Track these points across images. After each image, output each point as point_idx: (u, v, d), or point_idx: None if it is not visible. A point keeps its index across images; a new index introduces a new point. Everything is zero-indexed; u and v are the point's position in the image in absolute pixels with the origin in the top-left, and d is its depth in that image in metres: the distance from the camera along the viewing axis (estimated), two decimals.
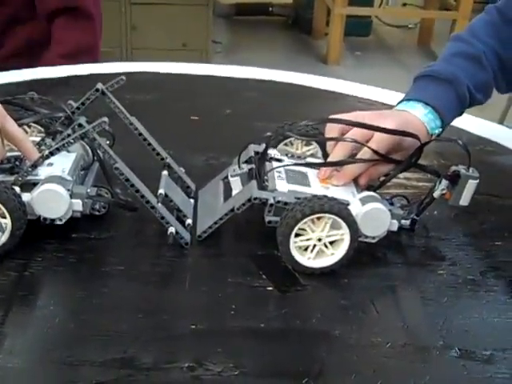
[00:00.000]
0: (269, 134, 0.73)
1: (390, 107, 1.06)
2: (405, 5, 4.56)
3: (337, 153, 0.71)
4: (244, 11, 4.35)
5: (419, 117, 0.76)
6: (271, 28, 4.31)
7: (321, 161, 0.75)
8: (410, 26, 4.39)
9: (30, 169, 0.66)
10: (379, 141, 0.70)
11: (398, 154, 0.72)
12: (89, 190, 0.68)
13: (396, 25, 4.39)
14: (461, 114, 0.85)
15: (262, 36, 4.16)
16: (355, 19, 3.90)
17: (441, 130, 0.78)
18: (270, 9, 4.36)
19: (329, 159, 0.71)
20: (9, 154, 0.69)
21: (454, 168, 0.69)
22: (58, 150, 0.65)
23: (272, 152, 0.74)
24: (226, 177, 0.75)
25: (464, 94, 0.82)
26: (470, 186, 0.68)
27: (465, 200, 0.69)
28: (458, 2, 3.58)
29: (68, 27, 1.33)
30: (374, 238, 0.67)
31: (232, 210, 0.68)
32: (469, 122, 1.03)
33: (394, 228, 0.68)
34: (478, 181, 0.68)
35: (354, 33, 4.03)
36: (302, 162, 0.73)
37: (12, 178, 0.66)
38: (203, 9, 3.20)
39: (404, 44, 4.23)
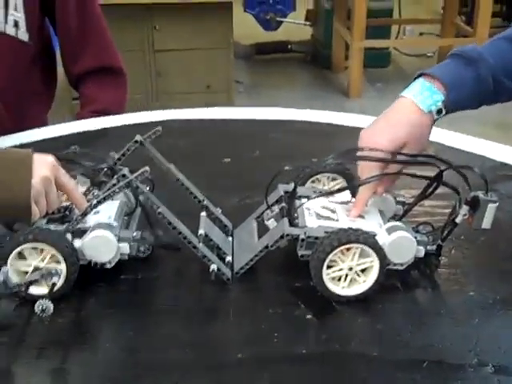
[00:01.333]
0: (287, 168, 0.76)
1: None
2: (421, 34, 4.62)
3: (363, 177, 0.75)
4: (264, 50, 4.44)
5: (411, 98, 0.76)
6: (291, 65, 4.38)
7: (347, 193, 0.79)
8: (428, 54, 4.43)
9: (79, 217, 0.71)
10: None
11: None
12: (134, 234, 0.73)
13: (414, 54, 4.44)
14: (483, 102, 0.81)
15: (283, 73, 4.23)
16: (374, 51, 3.96)
17: (440, 104, 0.75)
18: (289, 46, 4.44)
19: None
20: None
21: (472, 194, 0.72)
22: (105, 199, 0.71)
23: (300, 190, 0.78)
24: (259, 216, 0.80)
25: (486, 75, 0.77)
26: (490, 209, 0.72)
27: (487, 223, 0.72)
28: (475, 29, 3.63)
29: (102, 86, 1.39)
30: (402, 264, 0.71)
31: (266, 246, 0.72)
32: (491, 148, 1.07)
33: (421, 254, 0.72)
34: (497, 204, 0.72)
35: (374, 64, 4.08)
36: (326, 192, 0.77)
37: (63, 227, 0.72)
38: (224, 51, 3.29)
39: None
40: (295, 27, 4.38)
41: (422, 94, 0.76)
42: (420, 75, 0.78)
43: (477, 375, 0.60)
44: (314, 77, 4.21)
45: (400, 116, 0.76)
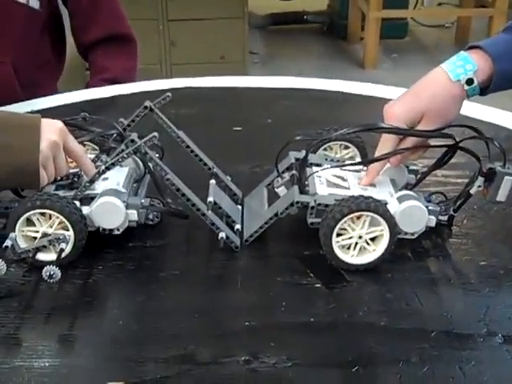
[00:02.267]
0: (298, 138, 0.75)
1: None
2: (440, 4, 4.54)
3: (380, 150, 0.73)
4: (279, 21, 4.40)
5: (444, 67, 0.74)
6: (307, 36, 4.34)
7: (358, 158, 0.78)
8: (446, 25, 4.36)
9: (88, 184, 0.71)
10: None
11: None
12: (143, 201, 0.72)
13: (432, 25, 4.37)
14: None
15: (298, 44, 4.19)
16: (390, 22, 3.90)
17: (472, 74, 0.72)
18: (305, 17, 4.39)
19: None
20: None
21: (489, 165, 0.71)
22: (113, 164, 0.70)
23: (312, 157, 0.78)
24: (270, 183, 0.79)
25: None
26: (507, 182, 0.70)
27: (502, 196, 0.71)
28: None
29: (112, 54, 1.38)
30: (413, 234, 0.70)
31: (276, 214, 0.72)
32: (506, 118, 1.05)
33: (432, 224, 0.71)
34: None
35: (390, 35, 4.02)
36: (339, 164, 0.76)
37: (72, 193, 0.71)
38: (239, 21, 3.26)
39: (441, 43, 4.21)
40: None
41: (455, 64, 0.73)
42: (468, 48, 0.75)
43: (486, 345, 0.59)
44: (330, 47, 4.17)
45: (426, 84, 0.74)
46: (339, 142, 0.82)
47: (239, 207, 0.79)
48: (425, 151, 0.75)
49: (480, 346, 0.59)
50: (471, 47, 0.75)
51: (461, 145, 0.73)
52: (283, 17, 4.39)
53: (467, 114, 1.08)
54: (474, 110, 1.09)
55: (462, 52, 0.75)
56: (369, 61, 3.69)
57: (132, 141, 0.70)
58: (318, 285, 0.67)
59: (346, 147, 0.82)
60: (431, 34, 4.36)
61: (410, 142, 0.72)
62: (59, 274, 0.64)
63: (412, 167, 0.78)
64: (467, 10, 4.02)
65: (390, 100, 1.16)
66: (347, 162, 0.77)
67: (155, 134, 0.69)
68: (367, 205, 0.66)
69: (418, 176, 0.77)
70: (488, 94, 0.75)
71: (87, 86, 1.35)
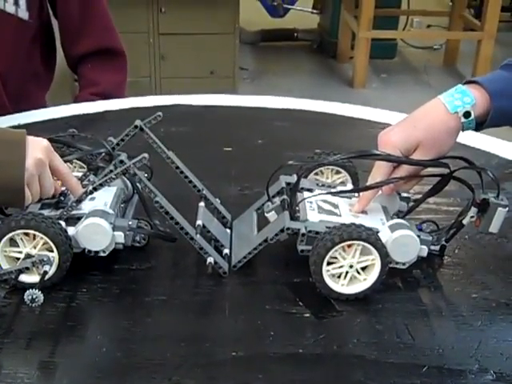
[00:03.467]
0: (290, 162, 0.74)
1: None
2: (429, 26, 4.58)
3: (373, 177, 0.73)
4: (269, 37, 4.40)
5: (441, 98, 0.74)
6: (297, 53, 4.35)
7: (350, 187, 0.77)
8: (435, 47, 4.39)
9: (74, 203, 0.69)
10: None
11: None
12: (130, 223, 0.71)
13: (421, 46, 4.40)
14: None
15: (288, 61, 4.20)
16: (380, 42, 3.92)
17: (469, 107, 0.72)
18: (295, 34, 4.41)
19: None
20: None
21: (483, 196, 0.70)
22: (101, 185, 0.68)
23: (303, 182, 0.76)
24: (260, 208, 0.78)
25: None
26: (500, 213, 0.69)
27: (494, 227, 0.70)
28: (483, 22, 3.59)
29: (101, 68, 1.37)
30: (404, 263, 0.69)
31: (266, 240, 0.70)
32: (497, 146, 1.05)
33: (424, 254, 0.70)
34: (507, 209, 0.69)
35: (380, 55, 4.04)
36: (331, 191, 0.75)
37: (57, 213, 0.70)
38: (230, 37, 3.26)
39: (430, 65, 4.23)
40: (302, 15, 4.34)
41: (453, 96, 0.73)
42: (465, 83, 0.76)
43: (477, 382, 0.58)
44: (319, 65, 4.18)
45: (423, 114, 0.74)
46: (331, 167, 0.81)
47: (228, 231, 0.78)
48: (419, 181, 0.74)
49: (472, 382, 0.58)
50: (469, 82, 0.75)
51: (454, 174, 0.72)
52: (274, 33, 4.41)
53: (458, 141, 1.08)
54: (465, 136, 1.09)
55: (460, 85, 0.74)
56: (358, 80, 3.70)
57: (121, 161, 0.69)
58: (307, 314, 0.66)
59: (338, 172, 0.81)
60: (420, 56, 4.39)
61: (404, 170, 0.72)
62: (42, 298, 0.62)
63: (404, 194, 0.77)
64: (456, 33, 4.05)
65: (380, 123, 1.17)
66: (339, 189, 0.76)
67: (145, 155, 0.67)
68: (359, 234, 0.65)
69: (410, 204, 0.76)
70: (482, 130, 0.76)
71: (76, 100, 1.33)
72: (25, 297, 0.62)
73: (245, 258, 0.71)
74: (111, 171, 0.69)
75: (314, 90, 3.61)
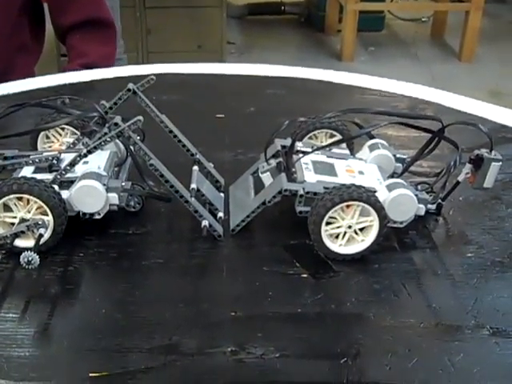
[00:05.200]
0: (286, 122, 0.74)
1: (410, 99, 1.09)
2: None
3: None
4: (256, 11, 4.38)
5: None
6: (284, 27, 4.33)
7: (344, 147, 0.77)
8: (423, 19, 4.39)
9: (67, 167, 0.69)
10: None
11: None
12: (123, 184, 0.70)
13: (409, 18, 4.39)
14: None
15: (275, 35, 4.18)
16: (368, 15, 3.91)
17: None
18: (283, 8, 4.38)
19: None
20: (46, 154, 0.72)
21: (476, 152, 0.71)
22: (96, 148, 0.68)
23: (298, 145, 0.76)
24: (256, 171, 0.78)
25: None
26: (494, 168, 0.70)
27: (488, 182, 0.71)
28: None
29: (90, 39, 1.35)
30: (401, 222, 0.69)
31: (263, 203, 0.70)
32: (490, 111, 1.05)
33: (422, 212, 0.70)
34: (500, 163, 0.70)
35: (367, 28, 4.04)
36: (324, 145, 0.76)
37: (50, 177, 0.69)
38: (217, 10, 3.23)
39: (418, 37, 4.23)
40: None
41: None
42: None
43: (474, 337, 0.58)
44: (307, 39, 4.16)
45: None
46: (325, 130, 0.81)
47: (222, 195, 0.78)
48: None
49: (468, 338, 0.58)
50: None
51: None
52: (261, 7, 4.38)
53: (450, 106, 1.08)
54: (456, 101, 1.09)
55: None
56: (346, 53, 3.70)
57: (116, 124, 0.68)
58: (304, 275, 0.66)
59: (332, 135, 0.81)
60: (408, 28, 4.38)
61: None
62: (38, 261, 0.62)
63: (399, 156, 0.77)
64: (444, 5, 4.04)
65: (371, 90, 1.17)
66: (330, 142, 0.76)
67: (140, 117, 0.67)
68: (359, 195, 0.65)
69: (405, 164, 0.76)
70: None
71: (64, 71, 1.32)
72: (21, 259, 0.61)
73: (243, 221, 0.71)
74: (105, 134, 0.68)
75: (302, 64, 3.59)
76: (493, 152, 0.71)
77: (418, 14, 4.42)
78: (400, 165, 0.76)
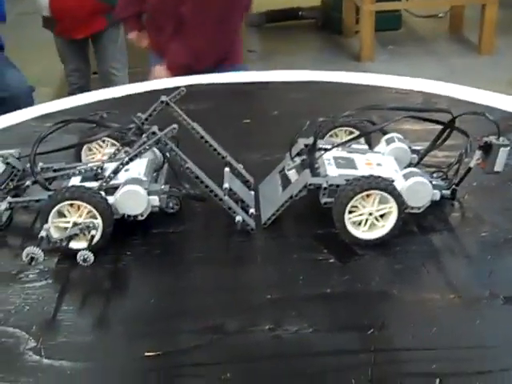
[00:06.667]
0: (308, 122, 0.81)
1: (423, 94, 1.15)
2: None
3: None
4: (274, 18, 4.45)
5: None
6: (302, 32, 4.39)
7: (364, 143, 0.83)
8: (440, 15, 4.42)
9: (112, 175, 0.76)
10: None
11: None
12: (163, 187, 0.77)
13: (426, 15, 4.42)
14: None
15: (295, 40, 4.24)
16: (384, 14, 3.95)
17: None
18: (300, 13, 4.45)
19: None
20: (90, 164, 0.80)
21: (485, 139, 0.77)
22: (136, 156, 0.75)
23: (320, 142, 0.83)
24: (282, 170, 0.84)
25: None
26: (502, 153, 0.76)
27: (499, 166, 0.77)
28: None
29: None
30: (419, 208, 0.75)
31: (291, 197, 0.77)
32: (502, 100, 1.10)
33: (437, 198, 0.76)
34: (509, 148, 0.76)
35: (385, 27, 4.08)
36: (344, 141, 0.82)
37: (96, 184, 0.76)
38: None
39: (435, 33, 4.26)
40: None
41: None
42: None
43: (489, 306, 0.64)
44: (326, 42, 4.22)
45: None
46: (344, 128, 0.87)
47: (252, 193, 0.84)
48: None
49: (484, 306, 0.64)
50: None
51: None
52: (278, 14, 4.44)
53: (458, 97, 1.13)
54: (465, 92, 1.15)
55: None
56: (365, 53, 3.74)
57: (153, 133, 0.75)
58: (332, 260, 0.72)
59: (351, 133, 0.87)
60: (425, 25, 4.41)
61: None
62: (92, 258, 0.69)
63: (414, 147, 0.83)
64: (459, 0, 4.07)
65: (388, 88, 1.22)
66: (349, 138, 0.82)
67: (175, 125, 0.74)
68: (377, 184, 0.71)
69: (420, 155, 0.82)
70: None
71: None
72: (78, 257, 0.69)
73: (273, 215, 0.78)
74: (144, 142, 0.76)
75: (323, 67, 3.65)
76: (501, 138, 0.76)
77: (434, 10, 4.45)
78: (416, 156, 0.82)
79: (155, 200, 0.76)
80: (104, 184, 0.76)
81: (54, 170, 0.82)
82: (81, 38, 2.60)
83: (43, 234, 0.71)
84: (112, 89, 1.30)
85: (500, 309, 0.64)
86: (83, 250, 0.69)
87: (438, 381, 0.55)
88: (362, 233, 0.73)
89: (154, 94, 0.85)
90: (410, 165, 0.81)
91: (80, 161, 0.88)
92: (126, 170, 0.78)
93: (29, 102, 2.25)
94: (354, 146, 0.84)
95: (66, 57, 2.72)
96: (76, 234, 0.72)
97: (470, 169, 0.78)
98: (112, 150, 0.84)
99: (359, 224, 0.73)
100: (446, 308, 0.64)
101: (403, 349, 0.59)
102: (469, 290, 0.67)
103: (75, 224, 0.73)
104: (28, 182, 0.81)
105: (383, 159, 0.79)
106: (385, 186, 0.71)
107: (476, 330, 0.61)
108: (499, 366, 0.57)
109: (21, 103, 2.12)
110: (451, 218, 0.79)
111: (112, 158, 0.82)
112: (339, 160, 0.79)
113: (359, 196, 0.71)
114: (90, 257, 0.69)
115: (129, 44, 2.53)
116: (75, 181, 0.78)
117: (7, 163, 0.83)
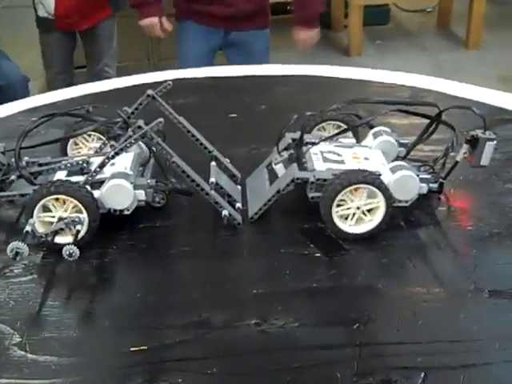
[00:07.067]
0: (295, 116, 0.80)
1: (411, 89, 1.15)
2: None
3: None
4: None
5: None
6: (291, 26, 4.37)
7: (351, 136, 0.83)
8: (428, 9, 4.42)
9: (97, 169, 0.75)
10: None
11: None
12: (149, 181, 0.77)
13: (414, 10, 4.42)
14: None
15: (283, 35, 4.22)
16: (373, 8, 3.95)
17: None
18: (288, 8, 4.43)
19: None
20: (76, 159, 0.79)
21: (472, 133, 0.77)
22: (122, 150, 0.75)
23: (307, 137, 0.82)
24: (269, 164, 0.84)
25: None
26: (489, 147, 0.76)
27: (485, 161, 0.77)
28: None
29: None
30: (406, 201, 0.75)
31: (278, 191, 0.77)
32: (489, 95, 1.10)
33: (424, 191, 0.77)
34: (495, 142, 0.76)
35: (373, 22, 4.07)
36: (331, 135, 0.82)
37: (82, 179, 0.76)
38: None
39: (424, 28, 4.26)
40: None
41: None
42: None
43: (474, 299, 0.64)
44: None
45: None
46: (332, 122, 0.87)
47: (239, 187, 0.84)
48: None
49: (469, 300, 0.64)
50: None
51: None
52: None
53: (446, 92, 1.14)
54: (453, 87, 1.15)
55: None
56: (354, 48, 3.74)
57: (139, 127, 0.75)
58: (318, 254, 0.72)
59: (339, 127, 0.87)
60: (413, 19, 4.41)
61: None
62: (78, 253, 0.69)
63: (402, 141, 0.83)
64: None
65: (376, 82, 1.23)
66: (336, 132, 0.82)
67: (161, 119, 0.74)
68: (364, 178, 0.71)
69: (407, 148, 0.82)
70: None
71: None
72: (63, 252, 0.68)
73: (260, 209, 0.78)
74: (130, 136, 0.75)
75: (312, 61, 3.64)
76: (487, 132, 0.77)
77: (422, 4, 4.45)
78: (403, 149, 0.82)
79: (141, 194, 0.75)
80: (90, 178, 0.75)
81: (40, 165, 0.81)
82: (84, 29, 2.54)
83: (28, 228, 0.70)
84: (99, 83, 1.29)
85: (485, 302, 0.64)
86: (69, 244, 0.69)
87: (422, 374, 0.55)
88: (349, 227, 0.73)
89: (142, 88, 0.85)
90: (397, 158, 0.81)
91: (66, 155, 0.88)
92: (112, 164, 0.78)
93: (25, 93, 2.26)
94: (342, 139, 0.84)
95: (51, 58, 2.64)
96: (61, 229, 0.72)
97: (456, 162, 0.78)
98: (98, 144, 0.84)
99: (346, 218, 0.73)
100: (431, 302, 0.64)
101: (388, 343, 0.59)
102: (454, 283, 0.67)
103: (61, 218, 0.72)
104: (13, 177, 0.80)
105: (370, 153, 0.79)
106: (372, 180, 0.71)
107: (461, 324, 0.61)
108: (483, 359, 0.57)
109: (17, 93, 2.13)
110: (438, 212, 0.79)
111: (98, 152, 0.82)
112: (326, 154, 0.79)
113: (347, 190, 0.71)
114: (76, 251, 0.69)
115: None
116: (61, 175, 0.78)
117: None
